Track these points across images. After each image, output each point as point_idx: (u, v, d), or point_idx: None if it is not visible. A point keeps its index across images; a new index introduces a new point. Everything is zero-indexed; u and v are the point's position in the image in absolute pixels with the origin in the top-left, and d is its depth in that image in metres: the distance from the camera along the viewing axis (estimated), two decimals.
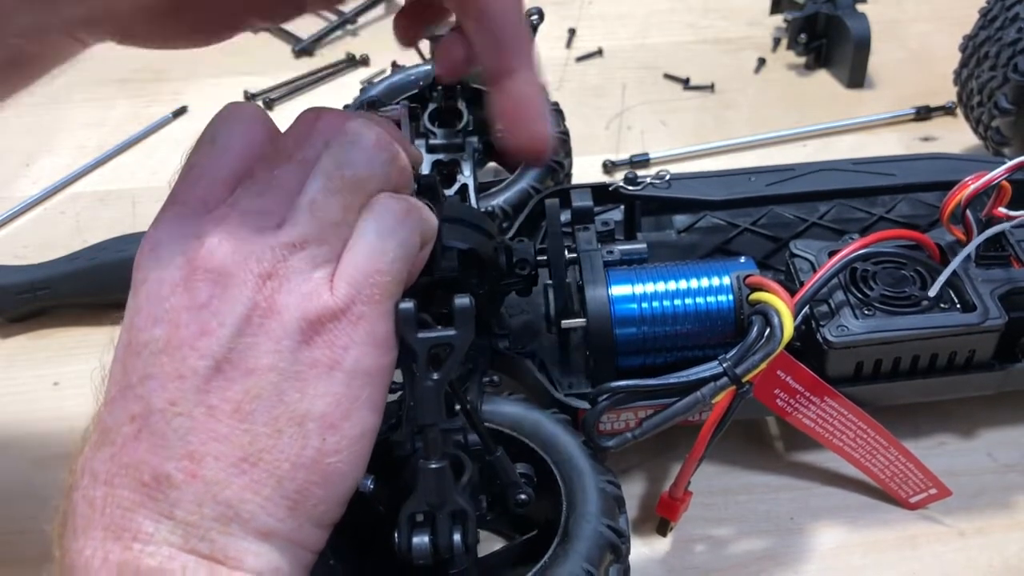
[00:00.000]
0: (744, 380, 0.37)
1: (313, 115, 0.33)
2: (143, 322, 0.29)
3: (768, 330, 0.38)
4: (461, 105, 0.54)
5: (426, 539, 0.33)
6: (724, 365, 0.37)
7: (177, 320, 0.29)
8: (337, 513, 0.30)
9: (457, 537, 0.33)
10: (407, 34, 0.44)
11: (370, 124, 0.32)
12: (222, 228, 0.30)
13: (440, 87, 0.54)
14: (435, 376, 0.31)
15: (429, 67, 0.55)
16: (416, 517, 0.33)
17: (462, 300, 0.30)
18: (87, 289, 0.55)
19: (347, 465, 0.30)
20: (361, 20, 0.80)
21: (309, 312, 0.29)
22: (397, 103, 0.47)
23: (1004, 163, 0.42)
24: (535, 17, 0.50)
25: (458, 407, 0.35)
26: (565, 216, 0.46)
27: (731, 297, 0.41)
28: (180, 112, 0.71)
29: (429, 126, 0.54)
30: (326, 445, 0.29)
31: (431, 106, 0.55)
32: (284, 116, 0.69)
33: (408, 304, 0.30)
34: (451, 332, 0.30)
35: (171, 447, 0.28)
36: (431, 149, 0.52)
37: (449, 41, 0.41)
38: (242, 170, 0.32)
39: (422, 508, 0.33)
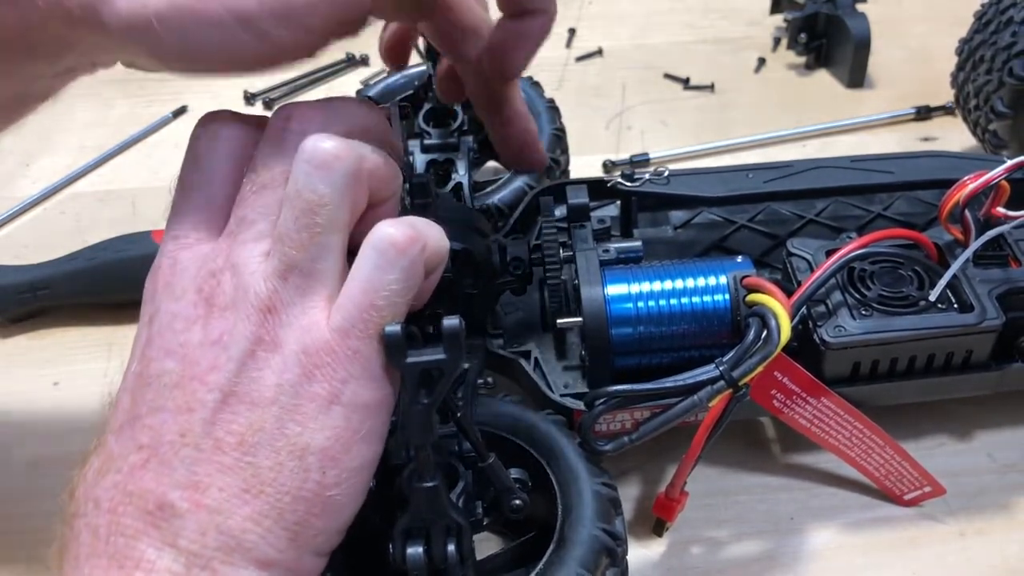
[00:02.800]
0: (741, 383, 0.37)
1: (284, 118, 0.32)
2: (155, 353, 0.30)
3: (765, 332, 0.38)
4: (456, 105, 0.54)
5: (420, 550, 0.32)
6: (721, 368, 0.37)
7: (191, 355, 0.29)
8: (336, 541, 0.31)
9: (452, 547, 0.33)
10: (453, 94, 0.47)
11: (328, 134, 0.31)
12: (227, 261, 0.30)
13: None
14: (424, 400, 0.30)
15: (424, 67, 0.55)
16: (410, 531, 0.33)
17: (451, 322, 0.29)
18: (87, 289, 0.55)
19: (346, 497, 0.30)
20: None
21: (308, 346, 0.29)
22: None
23: (1003, 162, 0.42)
24: None
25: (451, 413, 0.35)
26: (560, 211, 0.46)
27: (727, 297, 0.41)
28: (180, 112, 0.71)
29: (424, 126, 0.53)
30: (326, 478, 0.29)
31: (426, 106, 0.54)
32: None
33: (395, 328, 0.29)
34: (440, 356, 0.30)
35: (177, 476, 0.28)
36: (426, 149, 0.52)
37: (445, 78, 0.45)
38: (234, 191, 0.32)
39: (416, 524, 0.33)
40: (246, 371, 0.29)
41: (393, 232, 0.30)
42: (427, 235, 0.31)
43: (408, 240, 0.30)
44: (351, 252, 0.32)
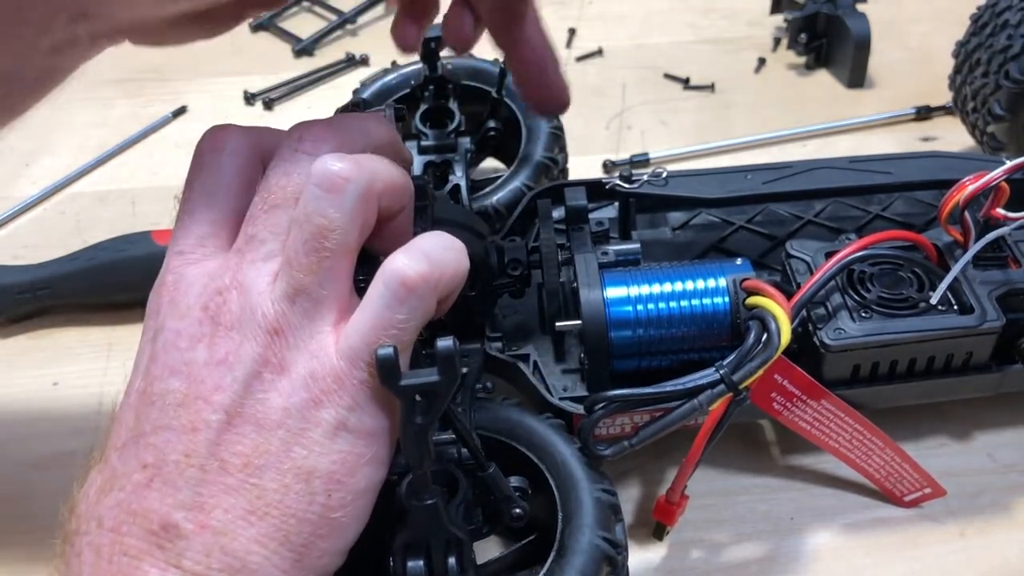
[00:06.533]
0: (741, 387, 0.37)
1: (297, 137, 0.32)
2: (159, 371, 0.30)
3: (765, 336, 0.38)
4: (453, 105, 0.54)
5: (420, 563, 0.32)
6: (721, 372, 0.37)
7: (196, 374, 0.29)
8: (340, 562, 0.31)
9: (452, 561, 0.33)
10: (408, 38, 0.44)
11: (339, 155, 0.31)
12: (235, 279, 0.30)
13: (432, 87, 0.54)
14: (418, 420, 0.30)
15: (421, 66, 0.55)
16: (410, 545, 0.33)
17: (445, 343, 0.29)
18: (87, 289, 0.55)
19: (351, 518, 0.30)
20: (361, 20, 0.80)
21: (315, 371, 0.29)
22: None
23: (1002, 163, 0.42)
24: None
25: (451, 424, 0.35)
26: (559, 213, 0.45)
27: (727, 300, 0.41)
28: (180, 112, 0.71)
29: (420, 127, 0.53)
30: (332, 501, 0.29)
31: (423, 107, 0.54)
32: (284, 116, 0.69)
33: (387, 351, 0.29)
34: (434, 378, 0.29)
35: (181, 497, 0.28)
36: (423, 150, 0.52)
37: (454, 12, 0.42)
38: (240, 205, 0.32)
39: (415, 539, 0.33)
40: (252, 392, 0.29)
41: (406, 268, 0.30)
42: (443, 266, 0.31)
43: (420, 278, 0.30)
44: (368, 259, 0.32)
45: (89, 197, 0.65)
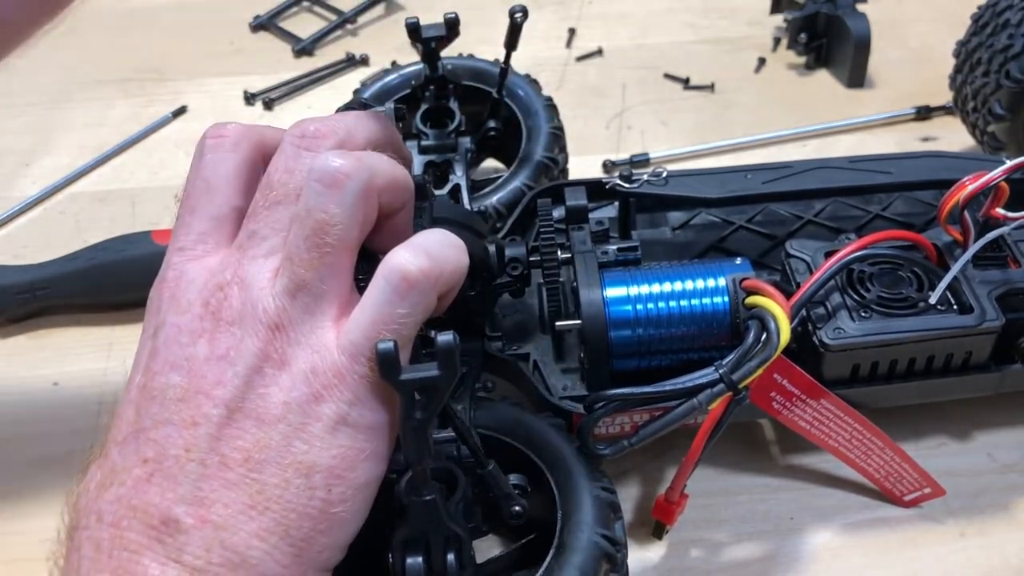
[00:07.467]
0: (740, 386, 0.37)
1: (298, 134, 0.32)
2: (160, 366, 0.30)
3: (764, 335, 0.38)
4: (453, 105, 0.54)
5: (419, 559, 0.32)
6: (720, 371, 0.37)
7: (197, 369, 0.29)
8: (339, 557, 0.31)
9: (451, 557, 0.33)
10: None
11: (340, 151, 0.31)
12: (236, 275, 0.30)
13: (432, 87, 0.54)
14: (418, 416, 0.30)
15: (421, 67, 0.55)
16: (409, 541, 0.33)
17: (445, 338, 0.29)
18: (87, 289, 0.55)
19: (351, 513, 0.30)
20: (361, 20, 0.80)
21: (316, 366, 0.30)
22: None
23: (1002, 163, 0.42)
24: (519, 15, 0.49)
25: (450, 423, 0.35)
26: (559, 213, 0.45)
27: (726, 299, 0.41)
28: (180, 112, 0.71)
29: (421, 127, 0.53)
30: (332, 495, 0.29)
31: (423, 106, 0.54)
32: (284, 116, 0.69)
33: (387, 344, 0.29)
34: (434, 373, 0.29)
35: (182, 491, 0.28)
36: (423, 150, 0.52)
37: None
38: (241, 202, 0.32)
39: (415, 536, 0.33)
40: (252, 387, 0.29)
41: (406, 264, 0.30)
42: (444, 262, 0.31)
43: (421, 273, 0.30)
44: (368, 257, 0.32)
45: (89, 197, 0.65)
